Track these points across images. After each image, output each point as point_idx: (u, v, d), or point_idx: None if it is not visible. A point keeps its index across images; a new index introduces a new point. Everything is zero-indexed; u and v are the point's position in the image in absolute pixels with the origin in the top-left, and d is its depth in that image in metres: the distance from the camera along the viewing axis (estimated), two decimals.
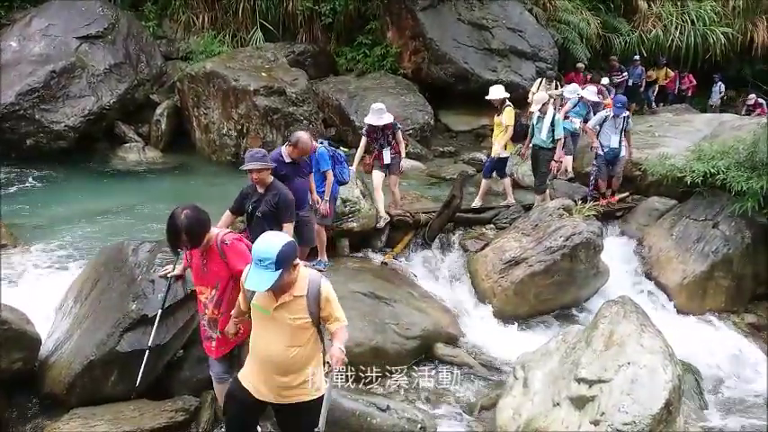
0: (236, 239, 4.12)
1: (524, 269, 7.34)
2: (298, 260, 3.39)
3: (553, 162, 8.68)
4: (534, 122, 8.72)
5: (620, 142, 8.85)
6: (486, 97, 9.03)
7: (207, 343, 4.33)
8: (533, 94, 11.88)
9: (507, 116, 8.61)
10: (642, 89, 15.91)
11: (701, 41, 16.34)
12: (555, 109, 10.61)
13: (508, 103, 8.75)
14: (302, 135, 5.96)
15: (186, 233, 3.82)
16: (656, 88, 16.56)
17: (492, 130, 9.46)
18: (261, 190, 5.21)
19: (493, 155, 8.96)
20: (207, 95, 11.70)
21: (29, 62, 10.91)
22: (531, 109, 8.83)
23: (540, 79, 12.52)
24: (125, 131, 11.98)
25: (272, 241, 3.25)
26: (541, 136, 8.55)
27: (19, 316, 4.86)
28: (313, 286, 3.40)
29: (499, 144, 8.76)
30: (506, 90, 9.15)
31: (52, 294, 5.93)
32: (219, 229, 4.23)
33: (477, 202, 8.75)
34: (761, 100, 15.82)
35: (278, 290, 3.33)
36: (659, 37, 16.31)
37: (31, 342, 4.93)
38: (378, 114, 7.67)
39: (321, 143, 6.72)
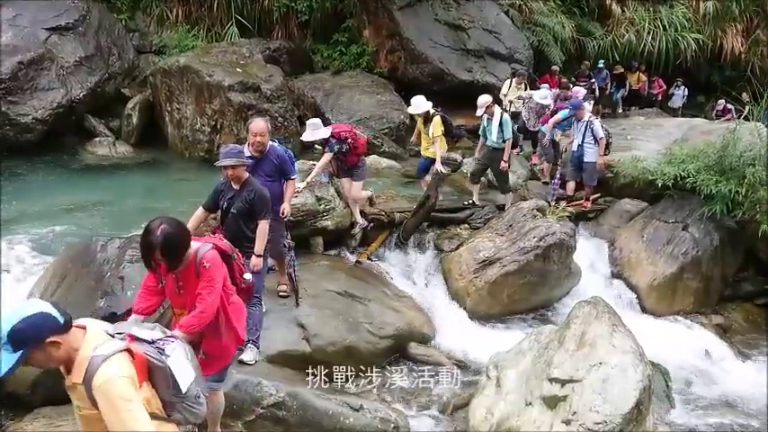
0: (215, 264, 3.63)
1: (498, 269, 7.38)
2: (60, 337, 2.46)
3: (503, 162, 8.56)
4: (485, 125, 8.71)
5: (579, 146, 8.95)
6: (408, 110, 8.86)
7: None
8: (504, 95, 11.92)
9: (435, 127, 8.21)
10: (609, 92, 16.15)
11: (672, 47, 16.61)
12: (526, 108, 10.69)
13: (434, 112, 8.32)
14: (257, 118, 5.92)
15: (161, 252, 3.33)
16: (626, 92, 16.77)
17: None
18: (236, 186, 5.12)
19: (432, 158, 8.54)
20: (180, 90, 11.50)
21: None
22: (477, 113, 8.74)
23: (510, 79, 12.49)
24: (95, 125, 11.70)
25: (9, 315, 2.37)
26: (492, 137, 8.56)
27: None
28: (89, 375, 2.44)
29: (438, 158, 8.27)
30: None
31: (17, 291, 5.77)
32: (198, 244, 3.68)
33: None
34: (730, 105, 16.11)
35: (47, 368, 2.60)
36: (632, 41, 16.55)
37: None
38: (309, 129, 7.32)
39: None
